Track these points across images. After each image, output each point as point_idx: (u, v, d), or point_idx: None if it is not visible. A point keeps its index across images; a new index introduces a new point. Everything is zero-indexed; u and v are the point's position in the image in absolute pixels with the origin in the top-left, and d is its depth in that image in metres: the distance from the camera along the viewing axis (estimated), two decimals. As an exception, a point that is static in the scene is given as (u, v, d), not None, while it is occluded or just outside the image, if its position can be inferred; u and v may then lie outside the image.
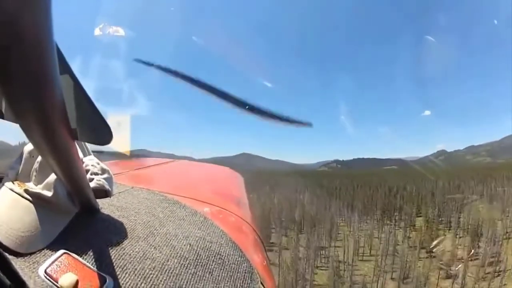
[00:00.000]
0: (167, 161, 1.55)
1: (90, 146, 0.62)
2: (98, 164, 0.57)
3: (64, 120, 0.31)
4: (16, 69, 0.22)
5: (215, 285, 0.50)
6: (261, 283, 0.58)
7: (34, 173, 0.53)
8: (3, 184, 0.52)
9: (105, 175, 0.56)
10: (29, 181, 0.53)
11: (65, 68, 0.33)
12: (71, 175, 0.42)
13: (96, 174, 0.55)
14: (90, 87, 0.37)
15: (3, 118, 0.40)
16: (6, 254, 0.36)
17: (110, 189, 0.56)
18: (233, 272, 0.55)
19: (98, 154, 0.64)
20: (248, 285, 0.54)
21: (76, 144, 0.40)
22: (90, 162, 0.57)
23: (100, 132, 0.40)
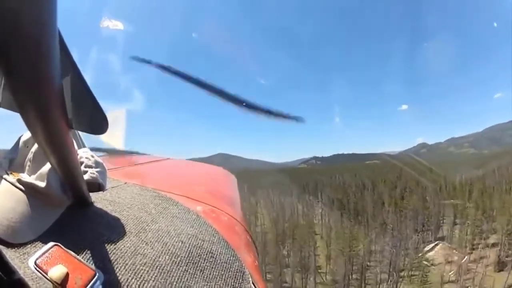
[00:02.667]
0: (161, 159, 1.53)
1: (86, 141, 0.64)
2: (93, 157, 0.57)
3: (61, 108, 0.31)
4: (16, 57, 0.22)
5: (206, 283, 0.50)
6: (253, 283, 0.57)
7: (28, 163, 0.52)
8: None
9: (99, 169, 0.56)
10: (22, 171, 0.52)
11: (66, 55, 0.32)
12: (66, 165, 0.42)
13: (90, 167, 0.55)
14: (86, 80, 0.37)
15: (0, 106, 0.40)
16: None
17: (103, 183, 0.56)
18: (224, 271, 0.55)
19: (92, 149, 0.64)
20: (239, 284, 0.54)
21: (71, 136, 0.40)
22: (84, 154, 0.57)
23: (96, 120, 0.39)
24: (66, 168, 0.43)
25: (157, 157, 1.57)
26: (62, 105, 0.31)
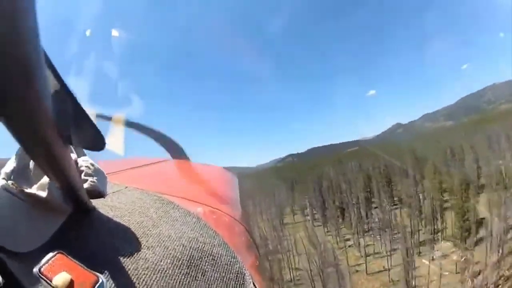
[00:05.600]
0: (160, 160, 1.54)
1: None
2: (93, 165, 0.58)
3: (54, 126, 0.30)
4: (2, 73, 0.21)
5: (207, 285, 0.50)
6: (254, 284, 0.58)
7: (30, 174, 0.52)
8: None
9: (99, 176, 0.57)
10: (23, 180, 0.52)
11: (54, 74, 0.33)
12: (64, 179, 0.42)
13: (90, 175, 0.56)
14: (82, 88, 0.21)
15: None
16: (1, 254, 0.36)
17: (103, 190, 0.57)
18: (225, 273, 0.55)
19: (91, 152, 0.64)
20: (240, 286, 0.55)
21: (71, 146, 0.40)
22: (84, 163, 0.57)
23: (91, 136, 0.40)
24: (65, 181, 0.43)
25: (156, 159, 1.52)
26: (54, 123, 0.30)
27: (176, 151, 1.80)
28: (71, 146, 0.46)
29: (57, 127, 0.31)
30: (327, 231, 37.44)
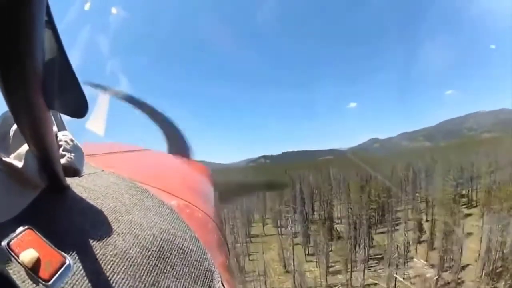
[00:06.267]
0: (140, 149, 1.50)
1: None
2: (72, 141, 0.55)
3: (41, 86, 0.30)
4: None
5: (175, 280, 0.50)
6: (222, 283, 0.58)
7: (8, 141, 0.50)
8: None
9: (77, 154, 0.55)
10: (2, 148, 0.50)
11: (53, 32, 0.31)
12: (43, 146, 0.41)
13: (68, 151, 0.53)
14: (71, 59, 0.35)
15: None
16: None
17: (79, 168, 0.55)
18: (194, 269, 0.55)
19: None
20: (208, 284, 0.55)
21: (52, 117, 0.40)
22: (64, 137, 0.55)
23: (76, 103, 0.39)
24: (43, 150, 0.42)
25: (137, 147, 1.48)
26: (42, 84, 0.30)
27: (175, 136, 1.78)
28: (52, 116, 0.43)
29: (44, 87, 0.30)
30: (309, 254, 28.66)
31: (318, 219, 32.68)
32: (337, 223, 32.10)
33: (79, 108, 0.38)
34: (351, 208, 30.11)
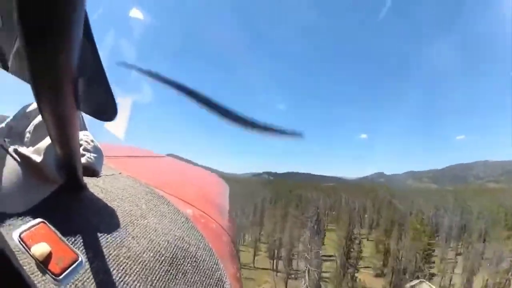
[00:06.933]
0: (160, 156, 1.56)
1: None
2: (92, 141, 0.56)
3: (73, 87, 0.30)
4: (39, 23, 0.20)
5: (186, 287, 0.50)
6: None
7: (27, 135, 0.51)
8: None
9: (97, 155, 0.56)
10: (20, 141, 0.51)
11: (87, 34, 0.32)
12: (66, 145, 0.41)
13: (88, 151, 0.55)
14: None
15: (7, 70, 0.39)
16: None
17: (98, 169, 0.56)
18: (206, 277, 0.55)
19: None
20: None
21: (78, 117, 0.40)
22: (84, 137, 0.56)
23: (105, 107, 0.39)
24: (66, 147, 0.42)
25: (156, 154, 1.56)
26: (74, 84, 0.30)
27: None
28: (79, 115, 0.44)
29: (75, 87, 0.30)
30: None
31: (331, 257, 25.95)
32: (361, 267, 25.71)
33: (108, 112, 0.39)
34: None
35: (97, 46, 0.32)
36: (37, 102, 0.31)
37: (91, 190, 0.57)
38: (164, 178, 1.10)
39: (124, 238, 0.49)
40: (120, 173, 0.73)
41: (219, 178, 1.62)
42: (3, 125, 0.50)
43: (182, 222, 0.65)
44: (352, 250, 25.31)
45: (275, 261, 27.27)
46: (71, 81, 0.28)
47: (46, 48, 0.23)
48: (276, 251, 27.53)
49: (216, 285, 0.54)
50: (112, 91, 0.37)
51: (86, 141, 0.55)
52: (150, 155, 1.43)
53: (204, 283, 0.52)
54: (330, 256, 26.64)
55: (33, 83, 0.27)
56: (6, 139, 0.49)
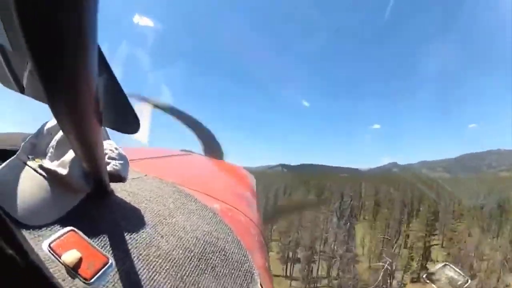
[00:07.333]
0: (182, 153, 1.56)
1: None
2: (116, 149, 0.59)
3: (95, 104, 0.30)
4: (54, 45, 0.19)
5: (216, 280, 0.51)
6: (261, 284, 0.58)
7: (51, 150, 0.53)
8: (17, 158, 0.51)
9: (122, 161, 0.58)
10: (44, 157, 0.53)
11: (99, 52, 0.31)
12: (92, 159, 0.42)
13: (113, 159, 0.57)
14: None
15: (23, 93, 0.39)
16: (12, 225, 0.37)
17: (125, 175, 0.58)
18: (235, 270, 0.56)
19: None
20: (247, 285, 0.56)
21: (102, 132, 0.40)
22: (108, 146, 0.58)
23: (127, 120, 0.40)
24: (92, 161, 0.43)
25: (179, 151, 1.54)
26: (96, 102, 0.30)
27: (212, 147, 1.88)
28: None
29: (97, 106, 0.30)
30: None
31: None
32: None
33: (131, 125, 0.41)
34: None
35: (108, 59, 0.33)
36: (59, 124, 0.31)
37: (119, 194, 0.59)
38: (189, 175, 1.16)
39: (153, 238, 0.51)
40: (146, 175, 0.77)
41: (245, 170, 1.69)
42: (25, 143, 0.52)
43: (210, 217, 0.67)
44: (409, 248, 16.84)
45: (289, 265, 21.25)
46: (93, 99, 0.28)
47: (63, 70, 0.22)
48: (291, 253, 20.81)
49: (244, 277, 0.56)
50: (131, 104, 0.38)
51: (110, 150, 0.57)
52: (174, 154, 1.46)
53: (233, 276, 0.54)
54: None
55: (51, 104, 0.26)
56: (29, 156, 0.51)
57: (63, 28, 0.18)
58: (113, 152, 0.57)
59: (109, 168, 0.54)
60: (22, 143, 0.53)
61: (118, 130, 0.46)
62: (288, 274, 20.88)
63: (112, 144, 0.59)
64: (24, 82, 0.42)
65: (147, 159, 1.12)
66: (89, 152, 0.39)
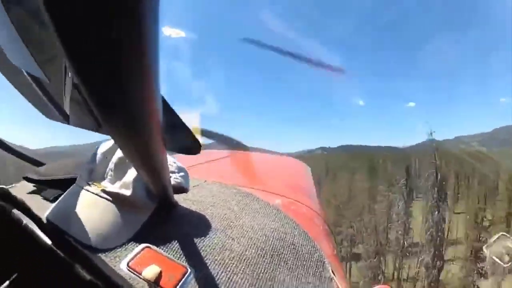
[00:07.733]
0: (235, 153, 1.54)
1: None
2: (175, 163, 0.60)
3: (159, 130, 0.29)
4: (119, 73, 0.17)
5: (289, 273, 0.52)
6: (332, 271, 0.59)
7: (110, 173, 0.54)
8: (77, 185, 0.52)
9: (182, 173, 0.59)
10: (102, 181, 0.54)
11: None
12: (159, 180, 0.43)
13: (173, 172, 0.58)
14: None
15: (67, 122, 0.39)
16: (87, 251, 0.36)
17: (187, 186, 0.59)
18: (306, 261, 0.57)
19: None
20: (320, 273, 0.56)
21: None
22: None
23: (188, 141, 0.41)
24: (158, 183, 0.44)
25: (230, 152, 1.56)
26: (159, 127, 0.28)
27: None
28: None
29: (161, 131, 0.30)
30: None
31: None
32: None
33: (193, 146, 0.41)
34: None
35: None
36: (122, 152, 0.32)
37: (183, 204, 0.60)
38: (246, 174, 1.15)
39: (225, 242, 0.52)
40: (205, 181, 0.78)
41: (298, 160, 1.66)
42: (82, 170, 0.53)
43: (275, 214, 0.67)
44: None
45: (344, 262, 16.40)
46: (157, 125, 0.27)
47: (130, 101, 0.20)
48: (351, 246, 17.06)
49: (316, 266, 0.57)
50: (188, 126, 0.38)
51: (169, 164, 0.56)
52: (225, 155, 1.43)
53: (305, 267, 0.55)
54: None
55: (117, 140, 0.26)
56: (89, 182, 0.51)
57: (122, 52, 0.16)
58: (172, 166, 0.58)
59: (172, 182, 0.54)
60: (80, 170, 0.55)
61: (181, 152, 0.46)
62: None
63: (170, 158, 0.60)
64: (67, 111, 0.42)
65: (202, 164, 1.14)
66: (155, 176, 0.40)
